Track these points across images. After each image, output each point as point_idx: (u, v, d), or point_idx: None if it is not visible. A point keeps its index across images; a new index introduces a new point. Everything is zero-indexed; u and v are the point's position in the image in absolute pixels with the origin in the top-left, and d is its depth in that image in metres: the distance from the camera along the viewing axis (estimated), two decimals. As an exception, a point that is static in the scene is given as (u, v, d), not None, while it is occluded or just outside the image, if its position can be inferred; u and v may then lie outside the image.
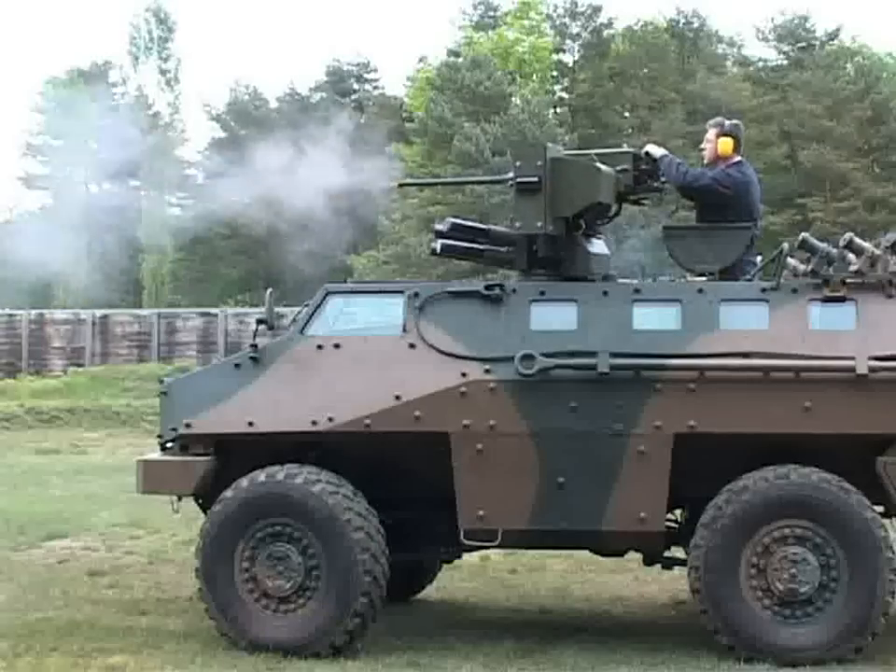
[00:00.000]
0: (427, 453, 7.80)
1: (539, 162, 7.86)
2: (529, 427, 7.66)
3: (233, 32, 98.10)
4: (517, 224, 7.99)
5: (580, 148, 8.52)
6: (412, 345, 7.84)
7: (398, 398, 7.71)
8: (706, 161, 8.61)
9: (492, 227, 8.56)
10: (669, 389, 7.55)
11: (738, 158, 8.48)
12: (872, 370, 7.40)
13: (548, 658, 7.65)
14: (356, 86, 64.68)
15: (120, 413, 27.60)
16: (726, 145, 8.43)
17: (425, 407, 7.68)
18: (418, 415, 7.68)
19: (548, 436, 7.65)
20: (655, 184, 8.55)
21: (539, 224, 7.86)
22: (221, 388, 8.00)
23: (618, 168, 8.23)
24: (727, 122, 8.64)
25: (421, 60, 58.26)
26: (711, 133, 8.56)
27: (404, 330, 7.90)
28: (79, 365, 34.45)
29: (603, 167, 8.01)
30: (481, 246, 8.49)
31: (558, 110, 49.76)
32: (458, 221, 8.57)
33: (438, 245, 8.44)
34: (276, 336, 8.32)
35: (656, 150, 8.44)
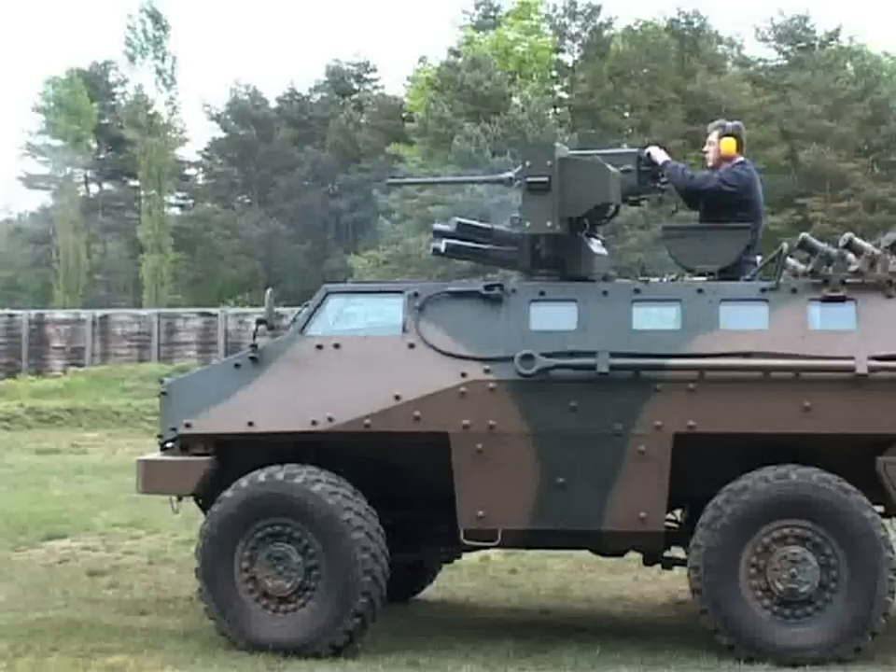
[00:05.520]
0: (426, 453, 7.79)
1: (549, 162, 7.84)
2: (529, 427, 7.65)
3: (233, 32, 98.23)
4: (526, 224, 7.95)
5: (580, 149, 8.50)
6: (411, 345, 7.84)
7: (397, 398, 7.71)
8: (710, 164, 8.62)
9: (495, 227, 8.55)
10: (669, 389, 7.55)
11: (741, 158, 8.49)
12: (872, 370, 7.40)
13: (548, 658, 7.64)
14: (356, 86, 64.73)
15: (120, 413, 27.59)
16: (729, 145, 8.44)
17: (424, 407, 7.68)
18: (418, 415, 7.68)
19: (548, 436, 7.64)
20: (656, 185, 8.55)
21: (549, 224, 7.83)
22: (221, 388, 8.00)
23: (621, 168, 8.23)
24: (728, 124, 8.66)
25: (421, 60, 58.37)
26: (713, 136, 8.58)
27: (404, 330, 7.89)
28: (79, 365, 34.46)
29: (611, 167, 8.02)
30: (485, 246, 8.47)
31: (558, 110, 49.75)
32: (465, 221, 8.54)
33: (442, 245, 8.43)
34: (276, 336, 8.32)
35: (659, 155, 8.44)
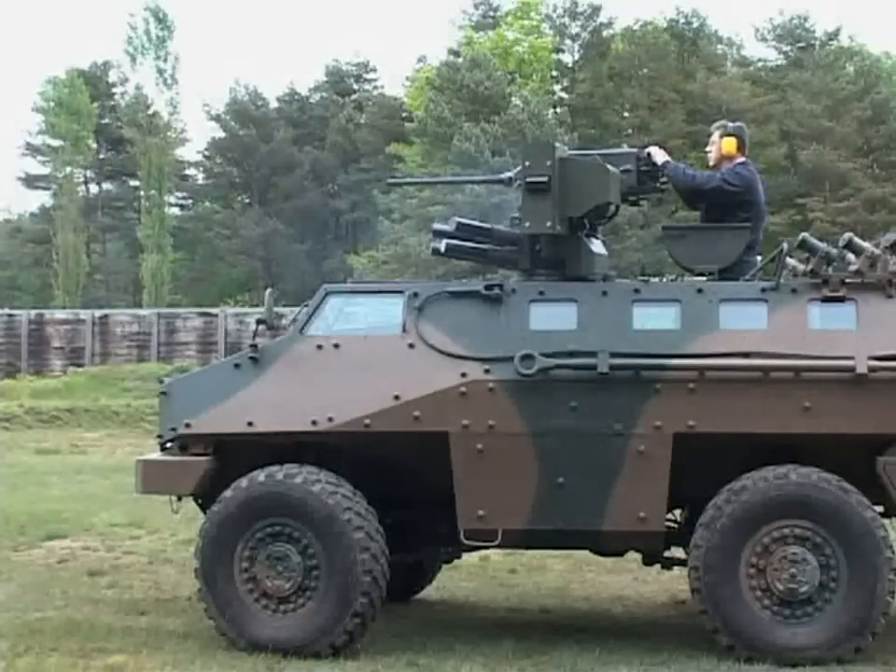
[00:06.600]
0: (426, 453, 7.79)
1: (549, 162, 7.83)
2: (529, 427, 7.65)
3: (233, 32, 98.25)
4: (526, 224, 7.93)
5: (580, 149, 8.51)
6: (411, 345, 7.83)
7: (397, 398, 7.70)
8: (711, 163, 8.64)
9: (495, 226, 8.54)
10: (669, 389, 7.54)
11: (743, 158, 8.50)
12: (872, 370, 7.39)
13: (548, 658, 7.64)
14: (355, 86, 64.76)
15: (120, 413, 27.60)
16: (730, 144, 8.46)
17: (424, 407, 7.67)
18: (417, 415, 7.67)
19: (548, 436, 7.64)
20: (656, 185, 8.55)
21: (549, 224, 7.82)
22: (221, 388, 7.99)
23: (621, 168, 8.22)
24: (731, 124, 8.68)
25: (421, 60, 58.45)
26: (716, 136, 8.60)
27: (404, 330, 7.89)
28: (79, 365, 34.48)
29: (611, 167, 8.02)
30: (485, 246, 8.47)
31: (558, 110, 49.77)
32: (465, 221, 8.53)
33: (442, 245, 8.42)
34: (276, 336, 8.32)
35: (658, 155, 8.43)
